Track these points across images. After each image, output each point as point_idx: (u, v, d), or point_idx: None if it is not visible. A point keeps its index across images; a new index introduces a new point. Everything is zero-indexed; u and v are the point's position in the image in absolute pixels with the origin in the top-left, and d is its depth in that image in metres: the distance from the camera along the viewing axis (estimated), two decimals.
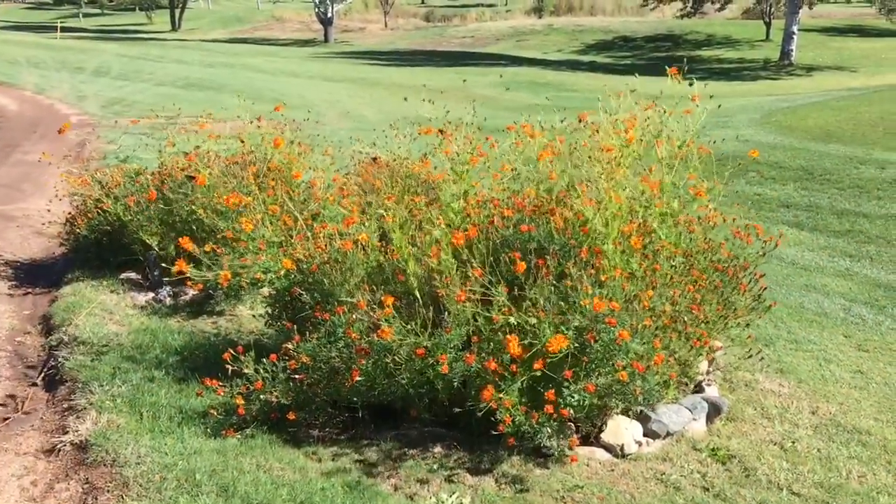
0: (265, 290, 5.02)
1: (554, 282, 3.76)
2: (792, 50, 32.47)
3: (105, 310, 5.17)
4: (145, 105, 18.27)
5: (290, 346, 3.70)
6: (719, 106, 5.57)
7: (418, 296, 3.78)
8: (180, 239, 4.75)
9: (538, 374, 3.47)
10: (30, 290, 5.97)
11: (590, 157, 4.50)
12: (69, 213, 6.32)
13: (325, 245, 4.01)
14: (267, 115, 6.79)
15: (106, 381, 4.02)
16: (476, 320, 3.68)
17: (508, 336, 3.41)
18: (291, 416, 3.67)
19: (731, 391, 4.68)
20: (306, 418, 3.79)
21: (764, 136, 12.62)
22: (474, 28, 50.67)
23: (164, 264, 5.44)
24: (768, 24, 37.50)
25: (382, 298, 3.55)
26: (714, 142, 5.29)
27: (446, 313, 3.71)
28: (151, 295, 5.63)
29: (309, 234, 4.15)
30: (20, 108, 18.58)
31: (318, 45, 46.85)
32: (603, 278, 3.77)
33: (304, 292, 3.93)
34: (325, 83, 26.55)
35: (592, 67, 34.62)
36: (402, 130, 6.10)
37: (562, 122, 5.17)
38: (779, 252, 7.22)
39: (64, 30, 43.71)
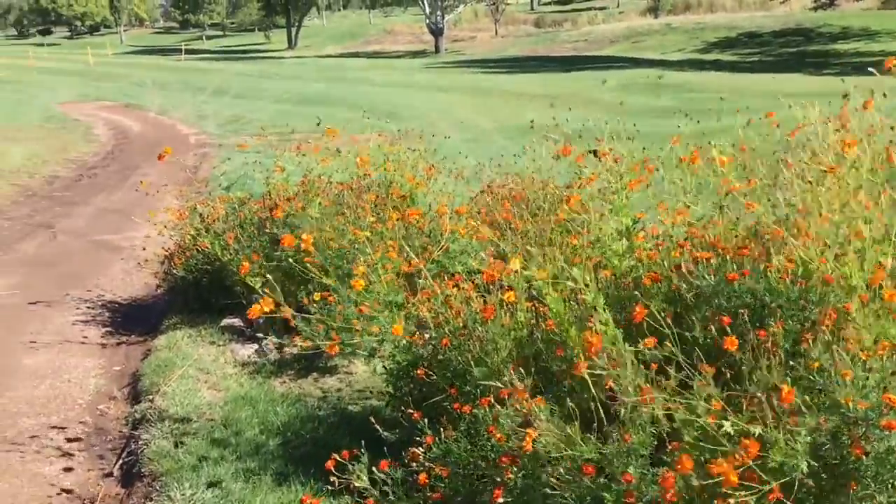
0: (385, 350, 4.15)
1: (784, 358, 2.65)
2: None
3: (201, 369, 4.42)
4: (262, 122, 18.16)
5: (419, 450, 2.75)
6: None
7: (590, 383, 2.74)
8: (262, 299, 3.92)
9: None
10: (125, 337, 5.34)
11: (808, 181, 3.33)
12: (167, 250, 5.67)
13: (461, 309, 3.04)
14: (377, 128, 5.97)
15: (188, 478, 3.19)
16: (671, 420, 2.61)
17: (728, 459, 2.28)
18: None
19: None
20: None
21: None
22: (587, 31, 49.08)
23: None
24: None
25: (538, 401, 2.51)
26: None
27: (621, 409, 2.66)
28: (255, 347, 4.86)
29: (439, 291, 3.19)
30: (143, 129, 18.87)
31: (429, 55, 46.62)
32: (863, 356, 2.61)
33: (434, 373, 2.97)
34: (439, 93, 25.96)
35: (718, 66, 32.51)
36: (518, 140, 5.11)
37: (748, 123, 4.05)
38: None
39: (188, 52, 45.44)
